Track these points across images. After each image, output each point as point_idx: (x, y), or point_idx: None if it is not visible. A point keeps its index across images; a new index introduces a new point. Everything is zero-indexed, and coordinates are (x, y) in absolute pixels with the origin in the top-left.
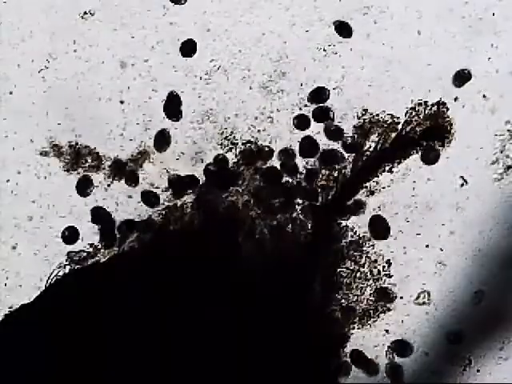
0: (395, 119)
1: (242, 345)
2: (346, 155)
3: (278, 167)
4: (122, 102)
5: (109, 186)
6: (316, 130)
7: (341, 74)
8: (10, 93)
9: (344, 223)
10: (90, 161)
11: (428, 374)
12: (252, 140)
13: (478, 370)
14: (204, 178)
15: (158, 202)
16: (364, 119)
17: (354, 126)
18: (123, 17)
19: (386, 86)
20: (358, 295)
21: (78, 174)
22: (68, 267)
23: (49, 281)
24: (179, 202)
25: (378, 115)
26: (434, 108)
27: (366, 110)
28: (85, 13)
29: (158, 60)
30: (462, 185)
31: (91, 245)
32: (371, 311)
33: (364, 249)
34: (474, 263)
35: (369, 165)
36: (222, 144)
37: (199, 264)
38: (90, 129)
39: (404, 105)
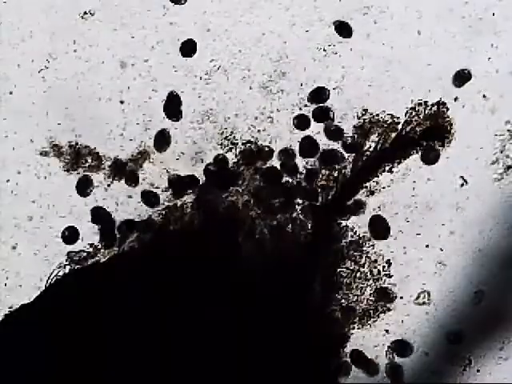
0: (395, 119)
1: (242, 345)
2: (346, 155)
3: (278, 167)
4: (122, 102)
5: (109, 185)
6: (316, 130)
7: (341, 74)
8: (10, 93)
9: (344, 223)
10: (89, 161)
11: (428, 374)
12: (252, 140)
13: (478, 370)
14: (204, 178)
15: (158, 202)
16: (364, 119)
17: (354, 126)
18: (123, 17)
19: (386, 86)
20: (357, 295)
21: (78, 173)
22: (68, 267)
23: (49, 281)
24: (179, 202)
25: (378, 115)
26: (434, 108)
27: (366, 110)
28: (85, 13)
29: (158, 60)
30: (462, 185)
31: (91, 245)
32: (371, 311)
33: (364, 249)
34: (474, 263)
35: (369, 165)
36: (221, 144)
37: (199, 264)
38: (90, 129)
39: (404, 105)
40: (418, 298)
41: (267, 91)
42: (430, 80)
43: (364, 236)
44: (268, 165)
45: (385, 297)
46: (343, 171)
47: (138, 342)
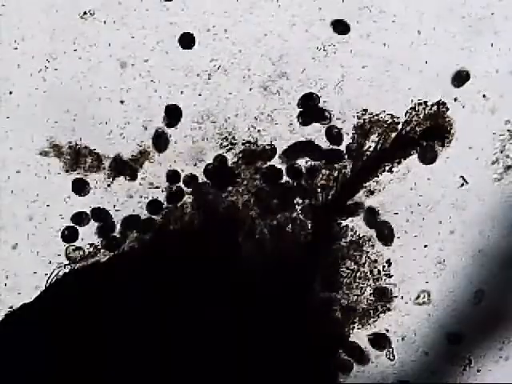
0: (395, 119)
1: (242, 345)
2: (346, 155)
3: (279, 167)
4: (122, 102)
5: (109, 185)
6: (316, 130)
7: (341, 74)
8: (10, 93)
9: (344, 223)
10: (89, 161)
11: (428, 374)
12: (252, 140)
13: (478, 370)
14: (204, 178)
15: (161, 210)
16: (364, 119)
17: (354, 126)
18: (123, 17)
19: (386, 85)
20: (358, 295)
21: (79, 174)
22: (68, 267)
23: (49, 281)
24: (179, 202)
25: (378, 115)
26: (434, 108)
27: (365, 110)
28: (85, 13)
29: (158, 60)
30: (462, 185)
31: (91, 245)
32: (371, 311)
33: (364, 249)
34: (474, 263)
35: (369, 165)
36: (221, 144)
37: (199, 264)
38: (90, 129)
39: (404, 105)
40: (417, 297)
41: (267, 91)
42: (430, 80)
43: (364, 236)
44: (268, 164)
45: (385, 297)
46: (343, 171)
47: (137, 342)
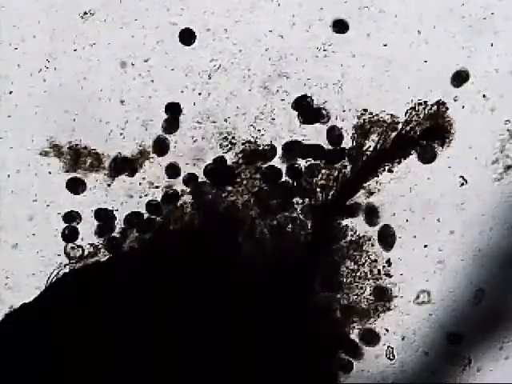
0: (395, 119)
1: (242, 345)
2: (346, 155)
3: (279, 167)
4: (122, 102)
5: (109, 185)
6: (316, 130)
7: (341, 74)
8: (10, 92)
9: (344, 223)
10: (89, 161)
11: (428, 374)
12: (252, 140)
13: (478, 370)
14: (204, 178)
15: (161, 209)
16: (364, 119)
17: (354, 126)
18: (123, 17)
19: (386, 85)
20: (358, 295)
21: (79, 173)
22: (68, 267)
23: (49, 281)
24: (179, 202)
25: (377, 115)
26: (434, 108)
27: (365, 110)
28: (85, 13)
29: (158, 60)
30: (462, 184)
31: (91, 244)
32: (371, 311)
33: (364, 248)
34: (474, 263)
35: (369, 165)
36: (221, 144)
37: (199, 264)
38: (90, 129)
39: (404, 105)
40: (417, 297)
41: (267, 91)
42: (430, 80)
43: (364, 236)
44: (268, 164)
45: (384, 296)
46: (343, 171)
47: (138, 342)
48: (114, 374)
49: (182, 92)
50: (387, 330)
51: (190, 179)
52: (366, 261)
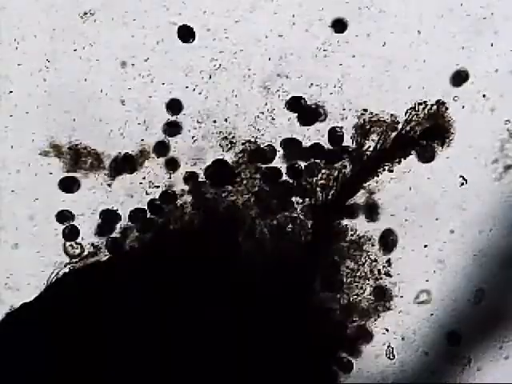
0: (395, 119)
1: (242, 345)
2: (346, 155)
3: (278, 167)
4: (122, 102)
5: (109, 185)
6: (316, 130)
7: (340, 74)
8: (10, 92)
9: (344, 223)
10: (90, 161)
11: (428, 374)
12: (252, 140)
13: (478, 370)
14: (204, 178)
15: (161, 209)
16: (364, 119)
17: (354, 126)
18: (123, 17)
19: (386, 85)
20: (358, 295)
21: (79, 173)
22: (68, 267)
23: (49, 281)
24: (179, 202)
25: (377, 115)
26: (434, 108)
27: (366, 110)
28: (85, 13)
29: (158, 60)
30: (462, 184)
31: (92, 244)
32: (371, 311)
33: (364, 248)
34: (474, 263)
35: (369, 165)
36: (221, 144)
37: (199, 264)
38: (90, 129)
39: (404, 105)
40: (417, 297)
41: (267, 91)
42: (430, 80)
43: (364, 236)
44: (268, 164)
45: (384, 296)
46: (343, 171)
47: (138, 342)
48: (114, 374)
49: (182, 92)
50: (387, 330)
51: (190, 179)
52: (365, 261)
